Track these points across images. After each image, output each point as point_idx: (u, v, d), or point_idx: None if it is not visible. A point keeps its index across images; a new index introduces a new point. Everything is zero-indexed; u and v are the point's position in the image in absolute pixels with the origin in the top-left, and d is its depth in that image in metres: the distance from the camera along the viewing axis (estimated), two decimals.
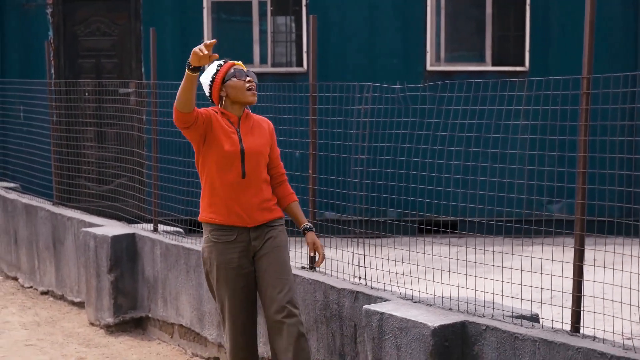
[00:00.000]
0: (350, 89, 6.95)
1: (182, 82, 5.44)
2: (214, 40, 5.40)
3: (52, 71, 12.95)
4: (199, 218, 5.88)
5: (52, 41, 13.00)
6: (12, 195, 11.27)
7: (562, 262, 5.35)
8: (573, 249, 5.12)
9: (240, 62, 5.92)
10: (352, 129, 6.80)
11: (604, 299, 5.16)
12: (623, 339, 4.94)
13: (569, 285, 5.15)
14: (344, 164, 7.20)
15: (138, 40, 13.02)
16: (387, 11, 12.84)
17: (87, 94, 12.23)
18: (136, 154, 10.10)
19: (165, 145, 9.10)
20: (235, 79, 5.77)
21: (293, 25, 13.37)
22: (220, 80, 5.81)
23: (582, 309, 5.08)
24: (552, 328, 5.18)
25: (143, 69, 12.98)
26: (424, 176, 6.54)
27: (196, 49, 5.30)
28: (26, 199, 10.96)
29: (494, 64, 12.72)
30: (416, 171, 6.59)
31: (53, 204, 10.56)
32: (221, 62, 5.83)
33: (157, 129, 8.95)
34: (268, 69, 12.95)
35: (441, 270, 6.19)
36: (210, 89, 5.84)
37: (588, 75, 4.94)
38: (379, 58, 12.89)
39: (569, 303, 5.15)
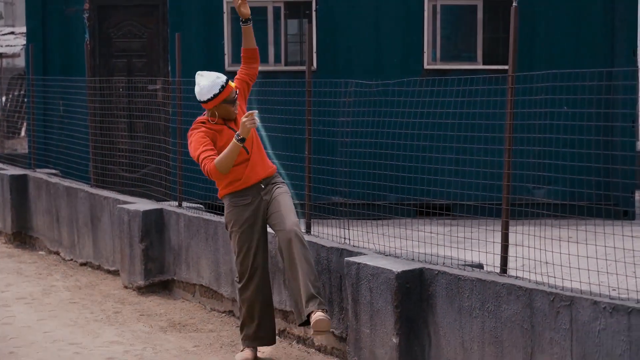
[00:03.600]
0: (339, 85, 8.41)
1: (230, 152, 7.04)
2: (256, 111, 7.03)
3: (88, 69, 14.43)
4: (219, 195, 7.58)
5: (88, 43, 14.46)
6: (54, 180, 12.76)
7: (488, 223, 6.78)
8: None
9: (232, 85, 7.38)
10: (340, 119, 8.27)
11: (522, 246, 6.61)
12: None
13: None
14: (334, 149, 8.65)
15: (165, 42, 14.49)
16: (389, 15, 14.24)
17: (121, 90, 13.71)
18: (163, 141, 11.59)
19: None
20: (227, 104, 7.36)
21: (305, 27, 14.78)
22: (219, 101, 7.33)
23: (508, 255, 6.53)
24: (487, 271, 6.64)
25: (169, 68, 14.40)
26: (419, 163, 8.02)
27: (246, 121, 6.93)
28: (67, 183, 12.45)
29: (484, 63, 14.11)
30: (398, 158, 8.05)
31: (91, 186, 12.05)
32: (223, 83, 7.30)
33: (182, 120, 10.39)
34: (281, 67, 14.37)
35: (412, 229, 7.64)
36: (208, 101, 7.34)
37: (512, 73, 6.38)
38: (382, 57, 14.29)
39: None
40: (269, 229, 7.64)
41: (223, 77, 7.37)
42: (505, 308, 6.21)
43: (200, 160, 7.21)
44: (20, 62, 31.55)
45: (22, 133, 24.87)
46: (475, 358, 6.43)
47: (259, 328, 7.64)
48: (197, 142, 7.28)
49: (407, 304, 6.82)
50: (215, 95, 7.32)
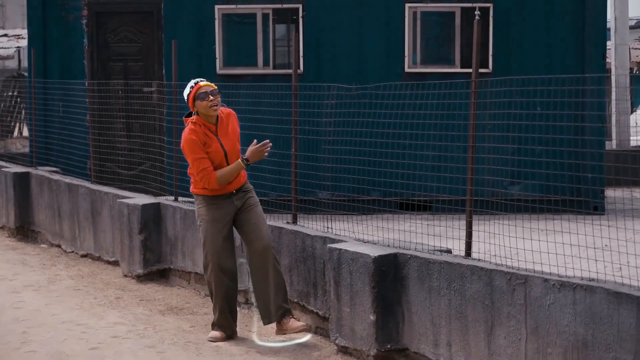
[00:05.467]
0: (323, 88, 9.22)
1: (233, 171, 8.09)
2: (270, 143, 7.99)
3: (87, 73, 15.24)
4: (191, 190, 8.43)
5: (86, 47, 15.26)
6: (56, 177, 13.54)
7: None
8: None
9: (204, 82, 8.14)
10: (323, 120, 9.09)
11: (487, 232, 7.42)
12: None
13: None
14: (320, 149, 9.46)
15: (160, 46, 15.29)
16: (372, 21, 15.09)
17: (120, 92, 14.51)
18: (158, 140, 12.39)
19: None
20: (200, 101, 8.12)
21: (292, 32, 15.58)
22: (192, 99, 8.16)
23: (471, 240, 7.35)
24: (453, 255, 7.45)
25: (164, 71, 15.21)
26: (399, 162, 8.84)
27: (262, 151, 8.01)
28: (68, 179, 13.22)
29: (462, 67, 14.94)
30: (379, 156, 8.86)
31: (91, 183, 12.84)
32: (193, 83, 8.13)
33: (177, 120, 11.18)
34: (270, 70, 15.18)
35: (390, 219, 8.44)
36: (187, 102, 8.22)
37: (475, 79, 7.20)
38: (366, 61, 15.13)
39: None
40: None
41: (199, 80, 8.20)
42: (469, 287, 7.00)
43: (198, 169, 8.08)
44: (12, 64, 32.19)
45: (15, 133, 25.52)
46: (443, 332, 7.22)
47: (219, 317, 8.47)
48: (190, 150, 8.11)
49: (383, 285, 7.60)
50: (187, 95, 8.17)
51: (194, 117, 8.20)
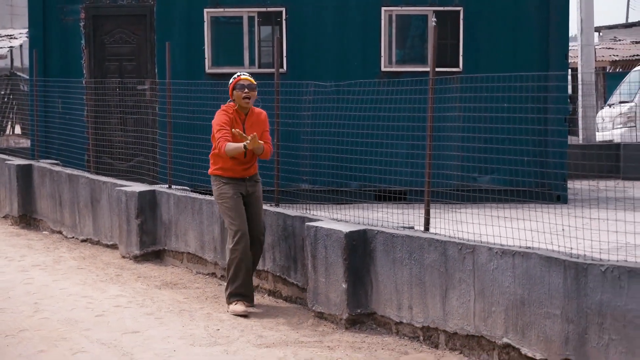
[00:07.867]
0: (302, 86, 10.31)
1: (236, 149, 9.08)
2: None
3: (85, 72, 16.31)
4: (209, 172, 9.50)
5: (84, 48, 16.32)
6: (57, 168, 14.59)
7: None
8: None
9: (245, 76, 9.40)
10: (302, 114, 10.18)
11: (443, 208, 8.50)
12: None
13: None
14: (300, 141, 10.55)
15: (152, 47, 16.36)
16: (351, 24, 16.17)
17: (116, 89, 15.58)
18: (151, 133, 13.45)
19: (175, 126, 12.48)
20: (237, 91, 9.37)
21: (277, 34, 16.65)
22: (231, 88, 9.39)
23: (429, 217, 8.44)
24: (414, 230, 8.55)
25: (156, 70, 16.26)
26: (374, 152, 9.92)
27: (256, 141, 8.98)
28: (69, 170, 14.28)
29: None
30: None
31: (90, 173, 13.90)
32: (236, 74, 9.39)
33: (171, 115, 12.26)
34: (256, 69, 16.22)
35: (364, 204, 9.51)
36: (229, 90, 9.44)
37: (433, 77, 8.30)
38: (345, 61, 16.20)
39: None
40: None
41: (242, 74, 9.44)
42: (427, 257, 8.08)
43: (219, 135, 9.21)
44: (4, 63, 33.09)
45: (7, 131, 26.43)
46: (406, 297, 8.31)
47: (243, 286, 9.40)
48: (219, 120, 9.28)
49: (354, 257, 8.69)
50: (229, 84, 9.42)
51: (231, 103, 9.40)
